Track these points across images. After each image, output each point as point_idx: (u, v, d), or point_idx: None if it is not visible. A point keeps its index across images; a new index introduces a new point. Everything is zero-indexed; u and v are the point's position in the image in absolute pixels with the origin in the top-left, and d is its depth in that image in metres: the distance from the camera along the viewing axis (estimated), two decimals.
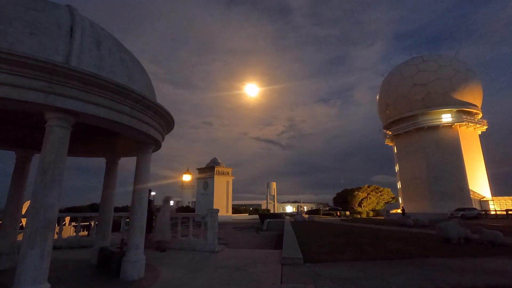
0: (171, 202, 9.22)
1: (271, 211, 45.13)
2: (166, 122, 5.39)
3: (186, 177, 39.44)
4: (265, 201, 53.06)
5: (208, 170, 38.52)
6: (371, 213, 47.03)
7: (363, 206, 50.43)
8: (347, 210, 49.06)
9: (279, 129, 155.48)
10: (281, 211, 57.61)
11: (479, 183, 36.65)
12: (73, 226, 13.25)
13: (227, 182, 38.89)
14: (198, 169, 40.46)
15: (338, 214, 45.60)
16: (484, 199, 35.80)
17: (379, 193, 51.82)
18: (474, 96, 38.90)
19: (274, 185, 51.46)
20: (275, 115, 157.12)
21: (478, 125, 38.53)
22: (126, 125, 4.24)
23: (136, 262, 4.94)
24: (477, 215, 27.57)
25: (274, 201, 51.04)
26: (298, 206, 67.11)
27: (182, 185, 70.12)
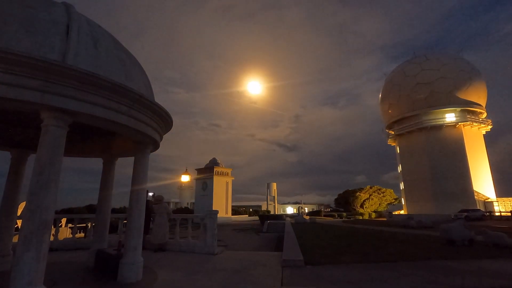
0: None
1: (271, 212, 44.83)
2: (164, 121, 5.31)
3: (185, 178, 39.10)
4: (265, 202, 52.78)
5: (207, 171, 38.12)
6: (373, 215, 46.52)
7: (365, 207, 49.93)
8: (348, 212, 48.56)
9: (286, 131, 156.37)
10: (282, 212, 57.34)
11: (483, 183, 36.23)
12: (69, 227, 13.22)
13: (227, 182, 38.56)
14: (197, 169, 40.11)
15: (336, 216, 45.16)
16: (489, 200, 35.38)
17: (382, 194, 51.24)
18: (478, 95, 38.42)
19: (274, 186, 51.10)
20: (281, 117, 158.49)
21: (482, 125, 38.04)
22: (123, 124, 4.17)
23: (133, 265, 4.87)
24: (481, 217, 27.26)
25: (274, 202, 50.74)
26: (299, 207, 66.63)
27: (181, 186, 69.79)
